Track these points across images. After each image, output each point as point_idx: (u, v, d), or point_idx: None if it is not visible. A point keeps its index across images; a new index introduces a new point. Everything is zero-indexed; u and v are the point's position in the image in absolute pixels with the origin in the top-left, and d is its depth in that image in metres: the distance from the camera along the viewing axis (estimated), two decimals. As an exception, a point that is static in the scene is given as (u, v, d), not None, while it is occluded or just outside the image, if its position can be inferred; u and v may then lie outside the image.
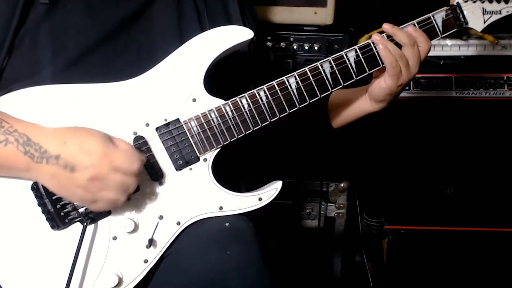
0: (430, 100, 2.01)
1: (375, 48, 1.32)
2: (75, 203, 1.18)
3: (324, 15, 2.01)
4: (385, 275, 2.25)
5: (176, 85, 1.25)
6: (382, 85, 1.34)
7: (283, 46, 2.02)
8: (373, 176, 2.15)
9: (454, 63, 2.00)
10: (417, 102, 2.01)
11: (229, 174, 1.36)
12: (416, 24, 1.33)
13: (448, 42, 1.97)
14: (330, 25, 2.02)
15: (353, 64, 1.32)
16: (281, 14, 2.02)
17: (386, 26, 1.31)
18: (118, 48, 1.26)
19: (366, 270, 2.37)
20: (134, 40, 1.28)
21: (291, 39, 2.03)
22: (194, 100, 1.25)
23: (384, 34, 1.32)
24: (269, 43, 2.01)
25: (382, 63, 1.32)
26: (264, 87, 1.28)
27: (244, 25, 1.38)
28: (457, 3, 1.36)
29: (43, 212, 1.17)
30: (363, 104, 1.44)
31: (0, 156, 1.09)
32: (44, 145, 1.08)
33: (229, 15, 1.42)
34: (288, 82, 1.29)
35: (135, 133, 1.22)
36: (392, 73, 1.30)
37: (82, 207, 1.18)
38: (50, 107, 1.18)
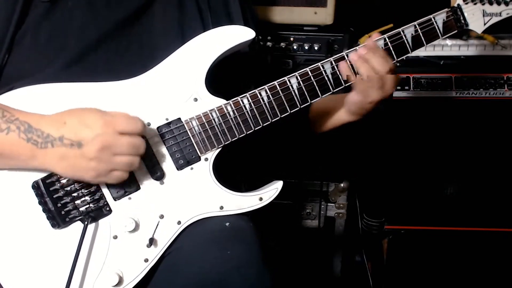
0: (430, 100, 2.01)
1: (376, 49, 1.32)
2: (92, 182, 1.16)
3: (324, 15, 2.01)
4: (385, 275, 2.25)
5: (178, 85, 1.25)
6: (354, 98, 1.35)
7: (283, 46, 2.02)
8: (373, 176, 2.15)
9: (454, 63, 2.00)
10: (417, 102, 2.01)
11: (230, 174, 1.36)
12: (417, 26, 1.34)
13: (448, 42, 1.97)
14: (330, 25, 2.02)
15: (354, 65, 1.32)
16: (281, 14, 2.02)
17: (362, 51, 1.30)
18: (119, 47, 1.26)
19: (366, 270, 2.37)
20: (136, 39, 1.28)
21: (291, 39, 2.03)
22: (196, 99, 1.26)
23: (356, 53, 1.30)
24: (269, 43, 2.01)
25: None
26: (266, 87, 1.28)
27: (246, 25, 1.39)
28: (458, 5, 1.36)
29: (43, 211, 1.17)
30: (341, 115, 1.45)
31: (3, 144, 1.09)
32: (45, 130, 1.09)
33: (230, 14, 1.42)
34: (290, 82, 1.29)
35: (136, 132, 1.22)
36: (358, 89, 1.31)
37: (84, 205, 1.18)
38: (52, 105, 1.17)
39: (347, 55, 1.31)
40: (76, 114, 1.11)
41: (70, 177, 1.15)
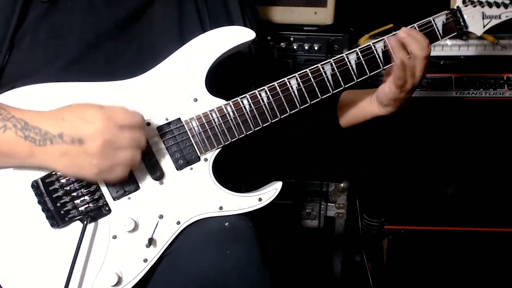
0: (430, 100, 2.01)
1: (376, 51, 1.32)
2: (93, 179, 1.15)
3: (324, 15, 2.01)
4: (385, 275, 2.25)
5: (178, 85, 1.26)
6: (386, 90, 1.34)
7: (283, 46, 2.02)
8: (373, 176, 2.15)
9: (454, 63, 2.00)
10: (417, 102, 2.01)
11: (230, 174, 1.36)
12: (416, 28, 1.34)
13: (448, 42, 1.97)
14: (330, 25, 2.03)
15: (354, 66, 1.32)
16: (282, 14, 2.03)
17: (402, 34, 1.29)
18: (119, 47, 1.26)
19: (366, 270, 2.37)
20: (135, 39, 1.29)
21: (291, 39, 2.04)
22: (196, 100, 1.26)
23: (396, 38, 1.30)
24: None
25: (383, 66, 1.33)
26: (266, 87, 1.28)
27: (245, 25, 1.39)
28: (458, 7, 1.37)
29: (43, 210, 1.17)
30: (371, 107, 1.43)
31: (0, 143, 1.08)
32: (43, 127, 1.07)
33: (230, 15, 1.43)
34: (290, 83, 1.29)
35: (135, 132, 1.22)
36: (398, 84, 1.30)
37: (84, 205, 1.18)
38: (52, 104, 1.17)
39: (374, 45, 1.31)
40: (74, 109, 1.09)
41: (71, 175, 1.14)
